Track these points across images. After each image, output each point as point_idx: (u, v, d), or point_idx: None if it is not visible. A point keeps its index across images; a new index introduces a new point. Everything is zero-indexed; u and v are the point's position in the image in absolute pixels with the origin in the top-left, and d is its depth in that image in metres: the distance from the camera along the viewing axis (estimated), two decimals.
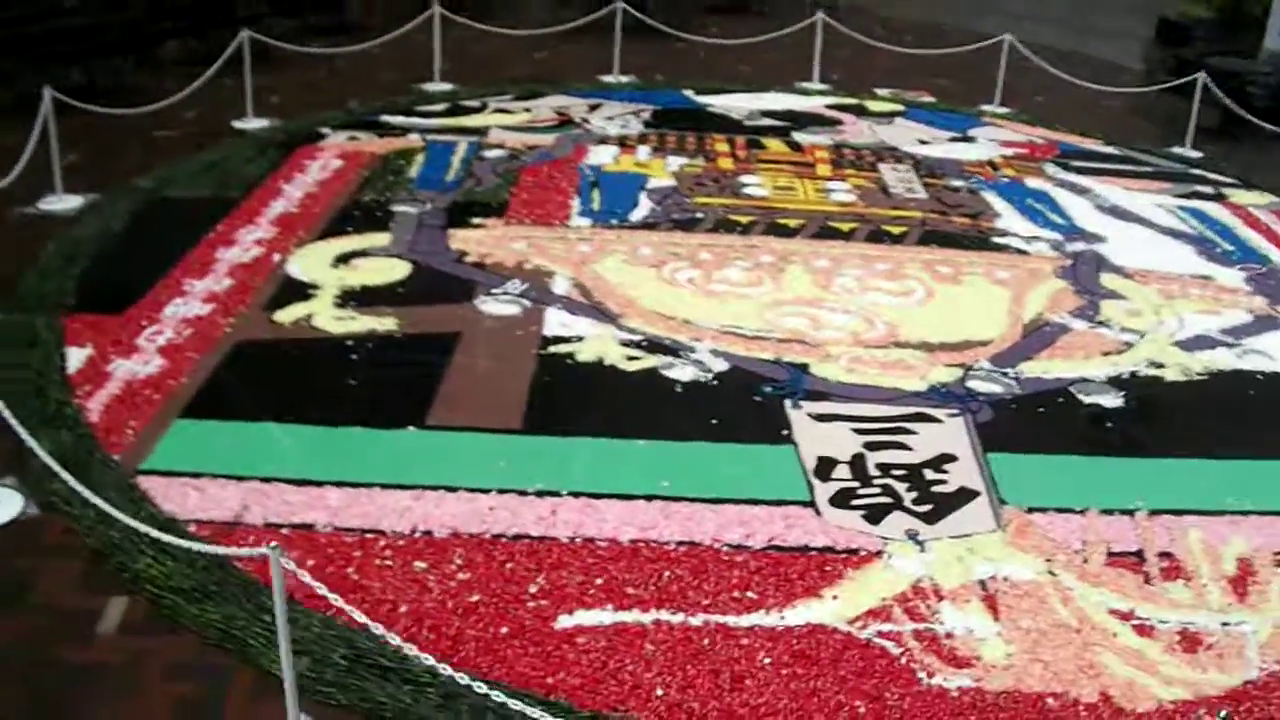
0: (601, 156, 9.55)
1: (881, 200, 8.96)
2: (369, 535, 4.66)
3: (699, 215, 8.34)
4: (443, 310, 6.63)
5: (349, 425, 5.43)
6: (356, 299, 6.66)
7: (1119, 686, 4.06)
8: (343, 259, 7.19)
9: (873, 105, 11.93)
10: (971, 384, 6.17)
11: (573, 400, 5.79)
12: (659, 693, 3.95)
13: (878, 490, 5.15)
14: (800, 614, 4.35)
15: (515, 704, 3.69)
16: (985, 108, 12.02)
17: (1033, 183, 9.69)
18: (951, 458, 5.46)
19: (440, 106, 10.79)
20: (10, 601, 4.28)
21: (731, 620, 4.30)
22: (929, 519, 4.97)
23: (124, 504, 4.63)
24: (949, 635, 4.28)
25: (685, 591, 4.44)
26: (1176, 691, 4.07)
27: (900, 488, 5.18)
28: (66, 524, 4.65)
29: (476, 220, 7.96)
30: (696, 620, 4.29)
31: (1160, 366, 6.53)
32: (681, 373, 6.09)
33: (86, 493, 4.25)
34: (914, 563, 4.68)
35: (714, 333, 6.54)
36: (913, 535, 4.85)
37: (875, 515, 4.98)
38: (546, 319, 6.59)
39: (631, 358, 6.21)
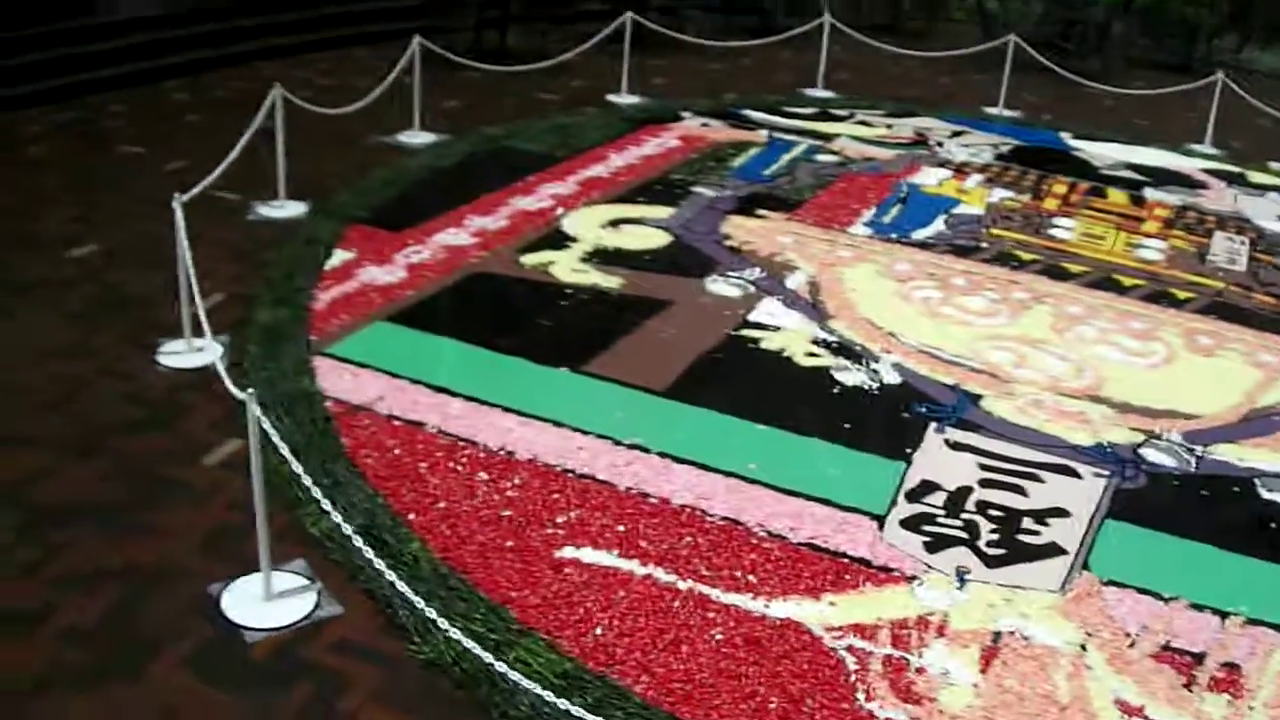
0: (927, 177, 9.34)
1: (1189, 265, 8.08)
2: (461, 443, 5.11)
3: (984, 245, 7.99)
4: (671, 281, 6.93)
5: (515, 355, 5.91)
6: (602, 257, 7.13)
7: None
8: (615, 223, 7.69)
9: (1257, 176, 10.62)
10: (1145, 451, 5.56)
11: (728, 379, 5.89)
12: (597, 631, 4.07)
13: (959, 524, 4.85)
14: (785, 608, 4.26)
15: (463, 600, 4.00)
16: None
17: None
18: (1064, 513, 5.00)
19: (809, 110, 10.99)
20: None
21: (715, 594, 4.29)
22: (992, 563, 4.62)
23: (296, 372, 5.47)
24: (919, 670, 4.01)
25: (692, 558, 4.48)
26: None
27: (986, 527, 4.84)
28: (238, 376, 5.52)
29: (762, 211, 8.15)
30: (683, 585, 4.33)
31: None
32: (850, 377, 5.99)
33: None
34: (941, 597, 4.40)
35: (910, 349, 6.34)
36: (962, 572, 4.55)
37: (937, 545, 4.70)
38: (760, 306, 6.69)
39: (811, 354, 6.19)
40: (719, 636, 4.09)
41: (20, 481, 4.69)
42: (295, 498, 4.59)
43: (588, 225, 7.60)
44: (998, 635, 4.22)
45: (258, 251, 6.92)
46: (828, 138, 10.17)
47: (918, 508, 4.94)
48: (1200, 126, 11.56)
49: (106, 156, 8.54)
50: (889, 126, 10.82)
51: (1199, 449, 5.65)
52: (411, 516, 4.60)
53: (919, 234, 8.10)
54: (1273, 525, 5.12)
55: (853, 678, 3.95)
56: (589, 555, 4.47)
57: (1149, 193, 9.74)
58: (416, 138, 9.05)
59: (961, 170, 9.67)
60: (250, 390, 3.95)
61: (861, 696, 3.87)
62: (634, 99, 10.65)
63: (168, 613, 4.05)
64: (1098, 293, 7.44)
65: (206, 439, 5.07)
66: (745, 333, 6.36)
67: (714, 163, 9.09)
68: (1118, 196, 9.54)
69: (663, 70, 11.37)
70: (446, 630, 3.75)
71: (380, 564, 4.03)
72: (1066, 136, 11.34)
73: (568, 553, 4.47)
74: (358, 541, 4.03)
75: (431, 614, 3.76)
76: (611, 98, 10.62)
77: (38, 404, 5.26)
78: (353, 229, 7.24)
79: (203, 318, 5.24)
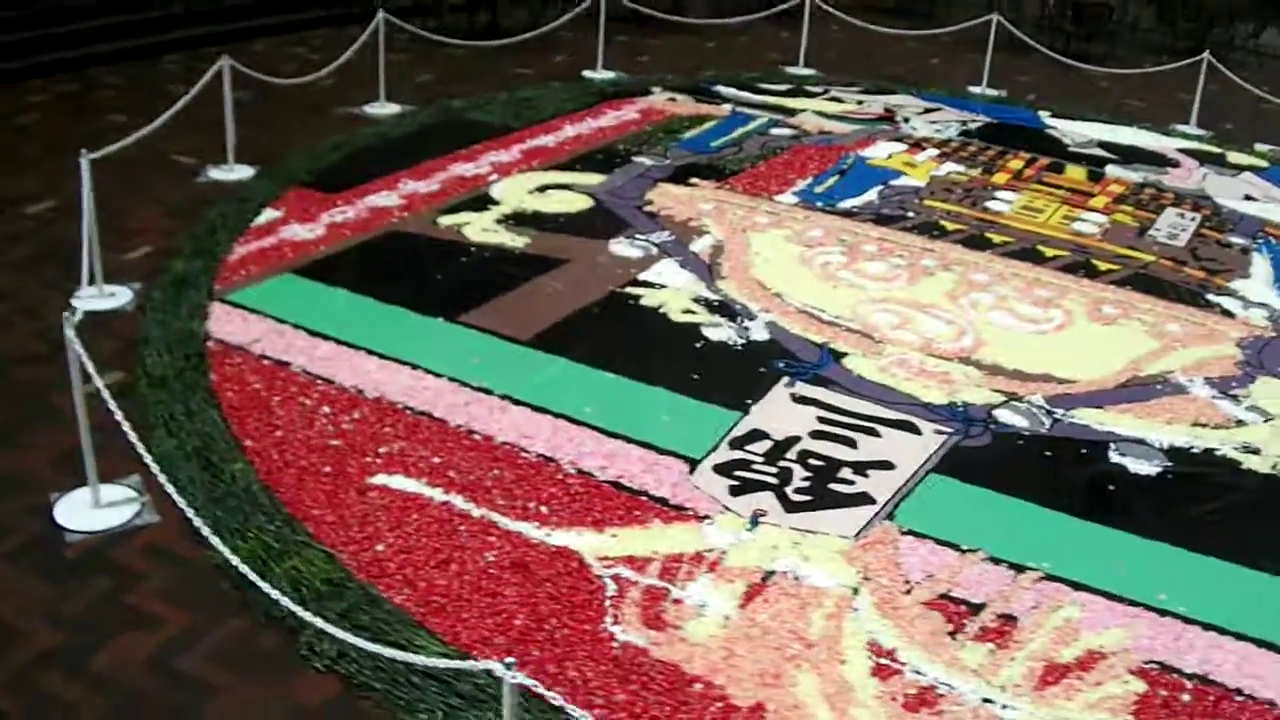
0: (878, 151, 9.32)
1: (1124, 239, 7.96)
2: (319, 381, 5.34)
3: (910, 214, 7.98)
4: (576, 242, 7.07)
5: (399, 306, 6.12)
6: (517, 219, 7.30)
7: (780, 706, 3.70)
8: (543, 188, 7.86)
9: (1237, 157, 10.36)
10: (999, 412, 5.56)
11: (597, 331, 6.03)
12: (379, 547, 4.27)
13: (773, 471, 4.93)
14: (565, 537, 4.39)
15: (265, 514, 4.27)
16: None
17: None
18: (888, 465, 5.05)
19: (784, 87, 11.02)
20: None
21: (503, 521, 4.44)
22: (794, 508, 4.68)
23: (189, 315, 5.80)
24: (676, 601, 4.10)
25: (494, 489, 4.63)
26: None
27: (799, 475, 4.91)
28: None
29: (694, 180, 8.25)
30: (476, 513, 4.49)
31: (1254, 452, 5.42)
32: (718, 333, 6.08)
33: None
34: (727, 537, 4.47)
35: (791, 309, 6.41)
36: (757, 515, 4.64)
37: (744, 489, 4.78)
38: (655, 267, 6.80)
39: (688, 311, 6.29)
40: (490, 558, 4.25)
41: None
42: (149, 421, 4.91)
43: (515, 190, 7.79)
44: (769, 575, 4.29)
45: (197, 210, 7.25)
46: (791, 112, 10.19)
47: (737, 454, 5.04)
48: (1185, 110, 11.31)
49: (90, 125, 8.97)
50: (859, 103, 10.79)
51: (1060, 412, 5.63)
52: (248, 443, 4.85)
53: (847, 203, 8.11)
54: (1110, 488, 5.08)
55: (607, 604, 4.08)
56: (397, 482, 4.66)
57: (1110, 170, 9.59)
58: (383, 109, 9.33)
59: (919, 145, 9.63)
60: (69, 314, 4.23)
61: (609, 620, 4.00)
62: (609, 74, 10.79)
63: (7, 513, 4.39)
64: (1014, 262, 7.39)
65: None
66: (630, 290, 6.49)
67: (664, 135, 9.20)
68: (1075, 173, 9.42)
69: (651, 49, 11.50)
70: (234, 539, 4.01)
71: (195, 480, 4.33)
72: (1045, 115, 11.18)
73: (379, 479, 4.66)
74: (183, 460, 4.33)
75: (234, 524, 4.04)
76: (587, 73, 10.78)
77: None
78: (291, 191, 7.52)
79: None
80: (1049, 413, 5.62)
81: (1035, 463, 5.23)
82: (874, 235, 7.56)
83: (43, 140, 8.55)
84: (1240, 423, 5.69)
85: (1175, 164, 9.99)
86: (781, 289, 6.64)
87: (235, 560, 3.80)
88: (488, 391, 5.34)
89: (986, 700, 3.78)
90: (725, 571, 4.29)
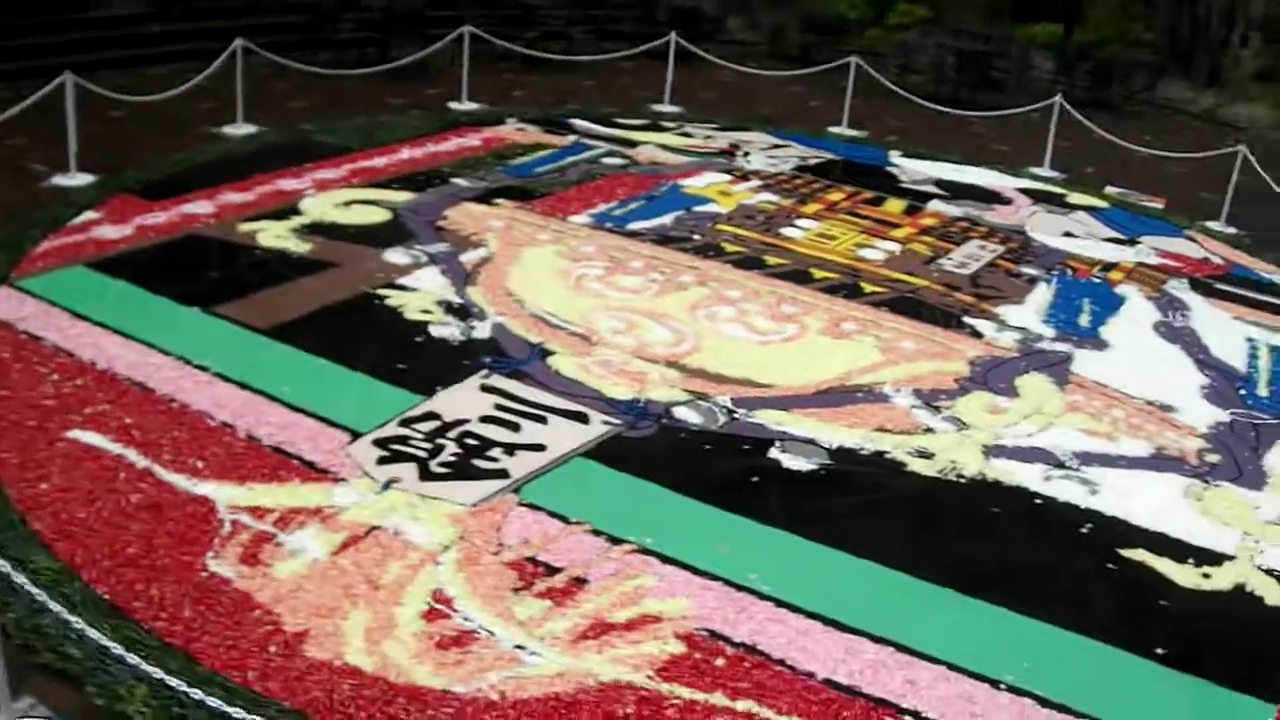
0: (699, 180, 10.00)
1: (906, 266, 8.57)
2: (61, 353, 5.96)
3: (695, 237, 8.62)
4: (355, 249, 7.71)
5: (166, 297, 6.79)
6: (312, 229, 7.98)
7: (320, 633, 4.21)
8: (349, 203, 8.57)
9: (1078, 198, 10.97)
10: (677, 409, 6.10)
11: (331, 325, 6.63)
12: (43, 485, 4.88)
13: (427, 447, 5.52)
14: (208, 488, 4.99)
15: None
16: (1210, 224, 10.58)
17: (1130, 290, 8.68)
18: (540, 448, 5.61)
19: (640, 122, 11.75)
20: None
21: (161, 472, 5.03)
22: (429, 478, 5.23)
23: None
24: (278, 545, 4.67)
25: (166, 447, 5.22)
26: (363, 661, 4.12)
27: (450, 451, 5.49)
28: None
29: (498, 200, 8.95)
30: (141, 464, 5.11)
31: (926, 457, 5.87)
32: (443, 331, 6.70)
33: None
34: (351, 496, 5.04)
35: (524, 314, 7.05)
36: (390, 481, 5.21)
37: (391, 460, 5.36)
38: (417, 273, 7.45)
39: (425, 311, 6.93)
40: (134, 500, 4.88)
41: None
42: None
43: (323, 204, 8.48)
44: (373, 529, 4.85)
45: (29, 210, 7.99)
46: (633, 144, 10.90)
47: (401, 431, 5.65)
48: (1040, 154, 11.91)
49: None
50: (706, 137, 11.48)
51: (741, 412, 6.13)
52: None
53: (637, 224, 8.77)
54: (754, 479, 5.52)
55: (215, 542, 4.69)
56: (88, 437, 5.28)
57: (933, 204, 10.19)
58: (240, 129, 10.11)
59: (745, 176, 10.28)
60: None
61: (209, 556, 4.61)
62: (473, 106, 11.55)
63: None
64: (777, 282, 7.95)
65: None
66: (381, 291, 7.15)
67: (495, 160, 9.91)
68: (893, 205, 10.03)
69: (529, 84, 12.25)
70: None
71: None
72: (894, 155, 11.83)
73: (73, 434, 5.29)
74: None
75: None
76: (452, 104, 11.54)
77: None
78: (117, 197, 8.26)
79: None
80: (729, 412, 6.14)
81: (691, 455, 5.70)
82: (645, 253, 8.21)
83: None
84: (929, 430, 6.15)
85: (1007, 201, 10.59)
86: (525, 296, 7.29)
87: None
88: (204, 369, 6.00)
89: (519, 646, 4.25)
90: (335, 524, 4.87)
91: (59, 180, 8.57)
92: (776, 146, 11.53)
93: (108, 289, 6.85)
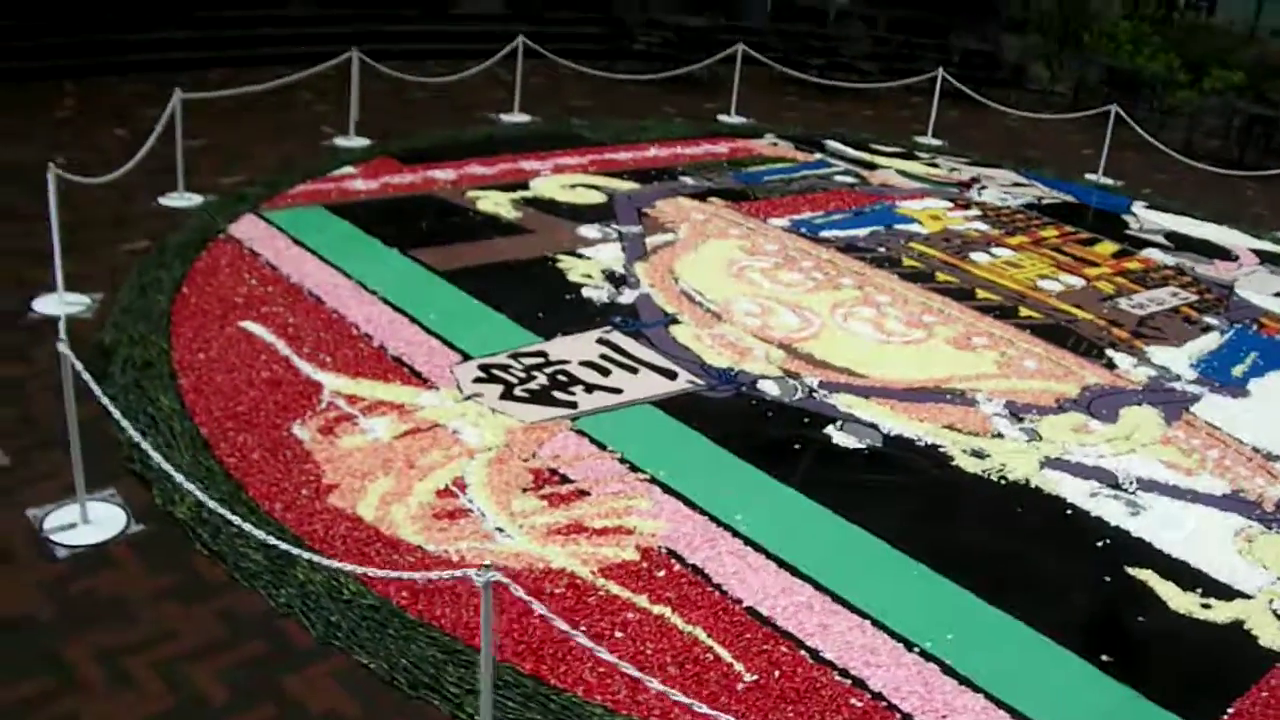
0: (918, 203, 10.04)
1: (1078, 300, 8.27)
2: (268, 267, 7.20)
3: (880, 249, 8.75)
4: (557, 222, 8.55)
5: (376, 239, 7.86)
6: (530, 202, 8.89)
7: (348, 489, 4.96)
8: (575, 185, 9.42)
9: None
10: (763, 383, 6.42)
11: (501, 277, 7.42)
12: (201, 355, 6.03)
13: (520, 375, 6.20)
14: (324, 377, 5.92)
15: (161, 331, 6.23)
16: None
17: None
18: (617, 391, 6.14)
19: (893, 149, 11.88)
20: None
21: (295, 360, 6.03)
22: (508, 398, 5.90)
23: (227, 219, 7.93)
24: (354, 423, 5.53)
25: (313, 345, 6.22)
26: (368, 513, 4.84)
27: (538, 381, 6.13)
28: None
29: (713, 199, 9.48)
30: (284, 353, 6.11)
31: (979, 456, 5.86)
32: (595, 294, 7.33)
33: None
34: (433, 400, 5.81)
35: (675, 289, 7.55)
36: (471, 394, 5.95)
37: (485, 380, 6.09)
38: (599, 246, 8.15)
39: (586, 276, 7.62)
40: (263, 375, 5.91)
41: None
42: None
43: (551, 184, 9.39)
44: (436, 425, 5.62)
45: (305, 161, 9.38)
46: (873, 167, 11.07)
47: (508, 361, 6.37)
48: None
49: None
50: (952, 170, 11.41)
51: (821, 393, 6.37)
52: (184, 290, 6.81)
53: (831, 233, 9.01)
54: (796, 447, 5.78)
55: (308, 414, 5.61)
56: (253, 328, 6.39)
57: (1147, 251, 9.70)
58: (515, 118, 11.30)
59: (966, 205, 10.21)
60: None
61: (297, 422, 5.53)
62: (740, 120, 12.16)
63: None
64: (939, 297, 7.98)
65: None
66: (560, 256, 7.92)
67: (730, 165, 10.45)
68: (1104, 248, 9.64)
69: (809, 108, 12.72)
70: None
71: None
72: (1137, 204, 11.27)
73: (243, 324, 6.43)
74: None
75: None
76: (721, 117, 12.22)
77: None
78: (379, 159, 9.58)
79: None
80: (810, 390, 6.39)
81: (750, 419, 6.02)
82: (822, 257, 8.46)
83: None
84: (998, 435, 6.14)
85: (1233, 258, 9.88)
86: (683, 274, 7.80)
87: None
88: (374, 293, 6.99)
89: (499, 529, 4.84)
90: (408, 418, 5.66)
91: (340, 141, 10.03)
92: (1016, 184, 11.27)
93: (331, 226, 8.05)
